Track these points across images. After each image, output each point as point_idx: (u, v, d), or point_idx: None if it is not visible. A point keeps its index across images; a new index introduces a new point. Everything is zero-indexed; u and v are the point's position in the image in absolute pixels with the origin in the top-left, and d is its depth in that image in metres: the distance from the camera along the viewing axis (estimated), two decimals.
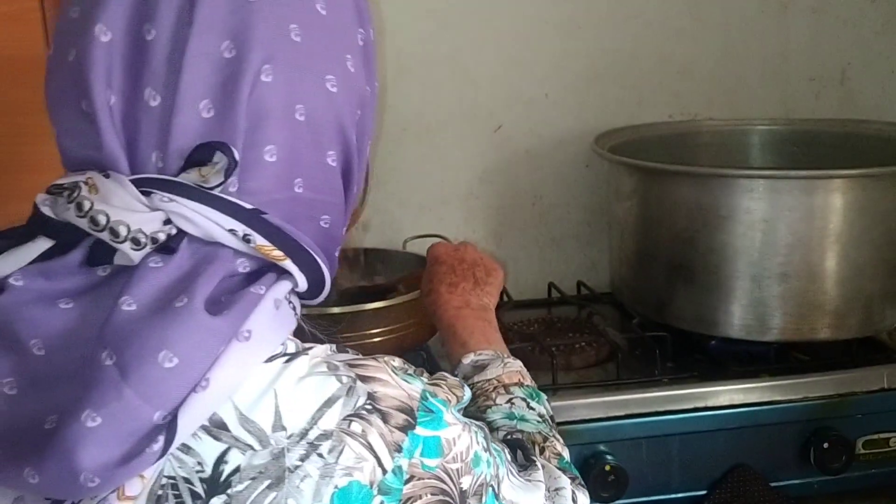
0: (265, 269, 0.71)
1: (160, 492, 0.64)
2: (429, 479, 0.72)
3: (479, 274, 1.23)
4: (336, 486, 0.65)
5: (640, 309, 1.69)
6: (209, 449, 0.64)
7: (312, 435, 0.66)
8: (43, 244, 0.69)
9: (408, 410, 0.71)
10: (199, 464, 0.64)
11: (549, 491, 0.88)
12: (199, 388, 0.62)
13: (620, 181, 1.68)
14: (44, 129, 1.23)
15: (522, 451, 0.91)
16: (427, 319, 1.29)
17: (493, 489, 0.79)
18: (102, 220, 0.66)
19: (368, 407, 0.69)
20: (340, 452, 0.66)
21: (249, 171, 0.69)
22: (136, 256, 0.66)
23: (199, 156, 0.67)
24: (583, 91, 1.93)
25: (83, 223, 0.66)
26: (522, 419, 1.00)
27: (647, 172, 1.60)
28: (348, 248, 1.67)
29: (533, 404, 1.03)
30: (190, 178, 0.67)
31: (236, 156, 0.68)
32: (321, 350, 0.72)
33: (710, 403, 1.44)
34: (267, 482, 0.64)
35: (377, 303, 1.43)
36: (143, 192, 0.66)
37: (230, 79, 0.67)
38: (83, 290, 0.67)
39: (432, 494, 0.72)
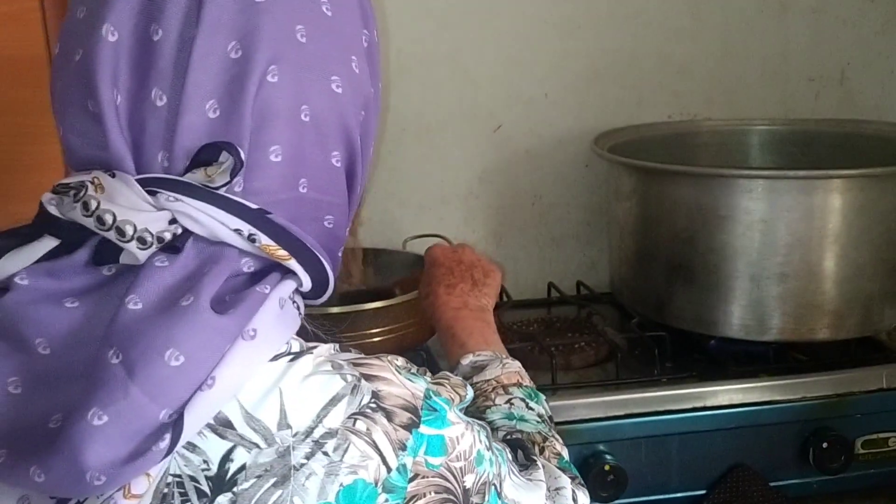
0: (269, 269, 0.71)
1: (166, 490, 0.64)
2: (433, 477, 0.72)
3: (476, 275, 1.24)
4: (341, 485, 0.66)
5: (639, 309, 1.69)
6: (215, 447, 0.64)
7: (318, 433, 0.66)
8: (48, 243, 0.69)
9: (412, 409, 0.72)
10: (205, 462, 0.64)
11: (549, 490, 0.89)
12: (204, 386, 0.62)
13: (620, 181, 1.68)
14: (44, 129, 1.24)
15: (522, 451, 0.92)
16: (426, 320, 1.29)
17: (496, 488, 0.80)
18: (109, 219, 0.66)
19: (373, 405, 0.69)
20: (345, 451, 0.66)
21: (255, 171, 0.70)
22: (142, 256, 0.66)
23: (205, 156, 0.67)
24: (582, 91, 1.93)
25: (89, 222, 0.67)
26: (522, 419, 1.01)
27: (647, 172, 1.60)
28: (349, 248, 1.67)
29: (532, 404, 1.04)
30: (196, 177, 0.68)
31: (242, 156, 0.68)
32: (325, 349, 0.72)
33: (709, 403, 1.44)
34: (272, 480, 0.64)
35: (377, 303, 1.43)
36: (148, 192, 0.67)
37: (236, 79, 0.68)
38: (89, 289, 0.67)
39: (436, 493, 0.72)
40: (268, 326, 0.67)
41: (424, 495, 0.71)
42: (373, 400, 0.70)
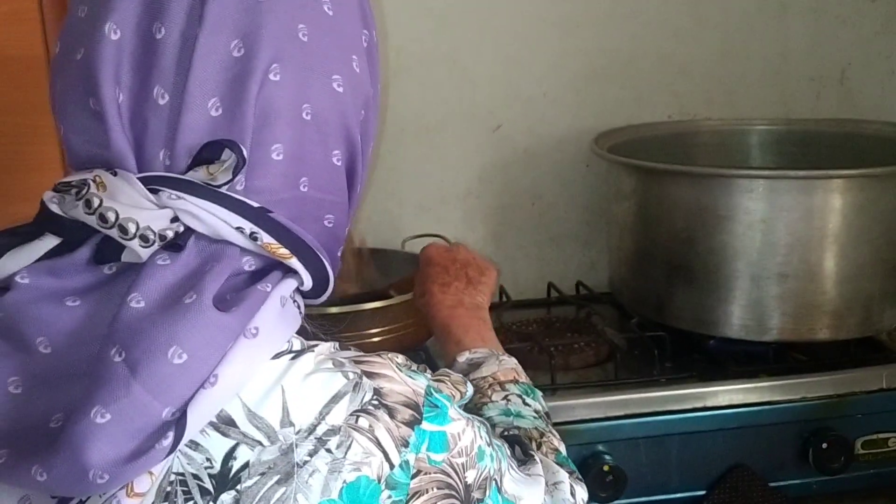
0: (270, 268, 0.71)
1: (169, 488, 0.64)
2: (435, 473, 0.72)
3: (471, 273, 1.24)
4: (345, 481, 0.66)
5: (638, 309, 1.69)
6: (218, 445, 0.64)
7: (320, 430, 0.66)
8: (50, 242, 0.69)
9: (413, 406, 0.72)
10: (208, 460, 0.64)
11: (547, 485, 0.89)
12: (207, 384, 0.62)
13: (619, 181, 1.68)
14: (43, 129, 1.24)
15: (520, 447, 0.92)
16: (425, 320, 1.29)
17: (497, 483, 0.80)
18: (111, 216, 0.66)
19: (375, 402, 0.69)
20: (348, 447, 0.66)
21: (256, 169, 0.70)
22: (145, 254, 0.66)
23: (207, 154, 0.68)
24: (582, 90, 1.93)
25: (92, 220, 0.67)
26: (519, 415, 1.01)
27: (647, 172, 1.60)
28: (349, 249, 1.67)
29: (528, 400, 1.04)
30: (198, 175, 0.68)
31: (245, 153, 0.68)
32: (326, 347, 0.72)
33: (709, 403, 1.44)
34: (276, 477, 0.64)
35: (376, 303, 1.43)
36: (150, 190, 0.67)
37: (239, 77, 0.68)
38: (90, 287, 0.67)
39: (438, 489, 0.72)
40: (269, 325, 0.67)
41: (427, 491, 0.71)
42: (375, 397, 0.70)
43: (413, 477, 0.70)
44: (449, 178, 1.93)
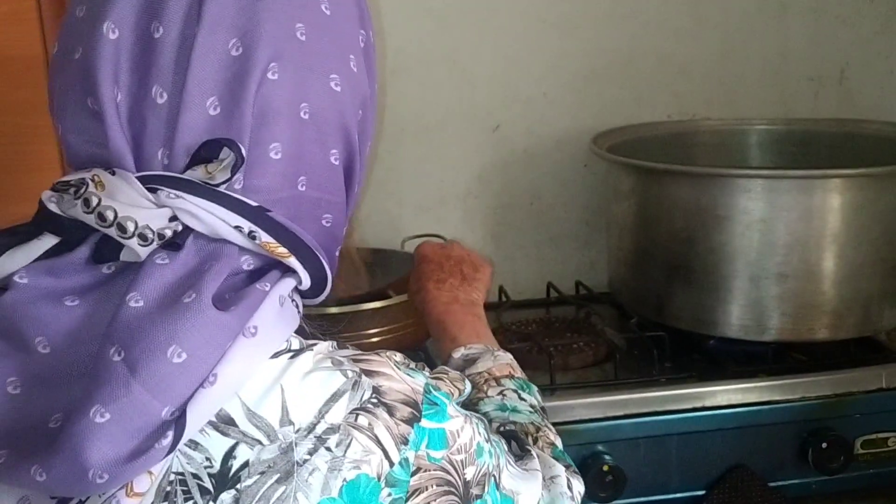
0: (269, 267, 0.71)
1: (168, 488, 0.64)
2: (434, 470, 0.72)
3: (466, 270, 1.25)
4: (345, 479, 0.66)
5: (638, 309, 1.69)
6: (217, 444, 0.64)
7: (320, 429, 0.66)
8: (48, 241, 0.69)
9: (412, 403, 0.72)
10: (208, 459, 0.64)
11: (544, 479, 0.89)
12: (206, 383, 0.62)
13: (619, 181, 1.68)
14: (41, 129, 1.24)
15: (516, 442, 0.92)
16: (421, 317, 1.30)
17: (495, 479, 0.80)
18: (110, 215, 0.66)
19: (374, 400, 0.69)
20: (348, 446, 0.66)
21: (255, 168, 0.70)
22: (144, 252, 0.66)
23: (205, 153, 0.68)
24: (581, 90, 1.93)
25: (90, 219, 0.67)
26: (514, 410, 1.01)
27: (646, 172, 1.60)
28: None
29: (524, 395, 1.04)
30: (196, 174, 0.68)
31: (243, 152, 0.68)
32: (324, 346, 0.72)
33: (708, 403, 1.43)
34: (276, 476, 0.64)
35: (375, 303, 1.43)
36: (149, 189, 0.67)
37: (237, 76, 0.68)
38: (89, 287, 0.67)
39: (438, 486, 0.73)
40: (268, 324, 0.67)
41: (427, 489, 0.72)
42: (374, 395, 0.70)
43: (413, 474, 0.70)
44: (448, 179, 1.93)
